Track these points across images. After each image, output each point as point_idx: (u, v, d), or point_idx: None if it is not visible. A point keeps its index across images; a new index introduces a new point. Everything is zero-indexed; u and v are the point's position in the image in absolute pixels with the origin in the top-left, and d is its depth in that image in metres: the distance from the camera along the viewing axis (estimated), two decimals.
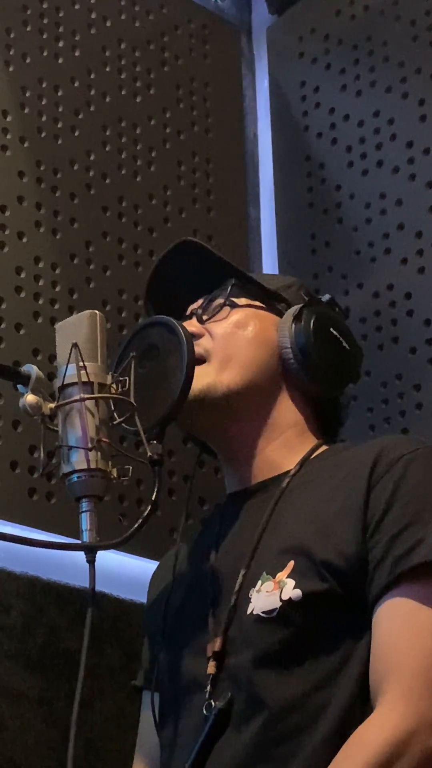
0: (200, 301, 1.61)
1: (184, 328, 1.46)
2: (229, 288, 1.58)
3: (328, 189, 2.31)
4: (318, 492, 1.45)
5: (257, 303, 1.60)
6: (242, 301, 1.59)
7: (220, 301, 1.59)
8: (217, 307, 1.59)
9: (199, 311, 1.59)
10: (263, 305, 1.60)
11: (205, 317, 1.58)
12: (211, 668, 1.41)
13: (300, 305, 1.58)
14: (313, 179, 2.35)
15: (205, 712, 1.38)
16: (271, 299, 1.61)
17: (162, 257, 1.63)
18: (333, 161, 2.31)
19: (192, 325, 1.55)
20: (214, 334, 1.56)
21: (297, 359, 1.55)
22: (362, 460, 1.43)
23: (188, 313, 1.61)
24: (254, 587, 1.41)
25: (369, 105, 2.25)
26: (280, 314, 1.59)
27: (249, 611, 1.40)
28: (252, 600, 1.40)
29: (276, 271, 2.35)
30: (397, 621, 1.33)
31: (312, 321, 1.56)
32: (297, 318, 1.56)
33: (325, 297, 1.64)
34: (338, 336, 1.59)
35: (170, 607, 1.52)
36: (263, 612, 1.38)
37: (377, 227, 2.19)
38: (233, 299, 1.59)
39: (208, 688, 1.40)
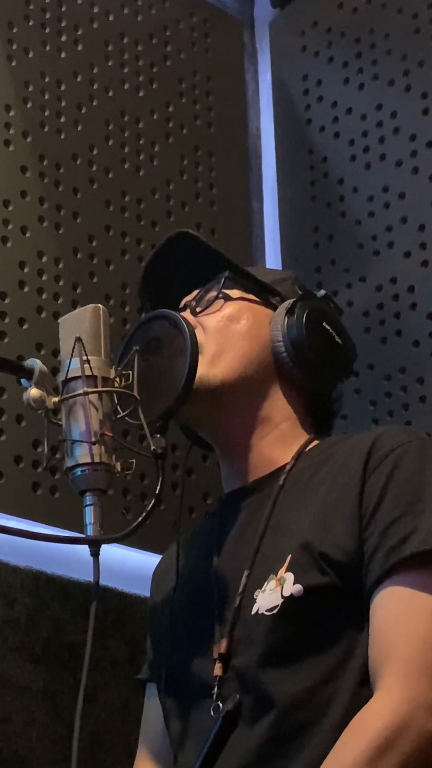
0: (195, 293, 1.60)
1: (187, 321, 1.46)
2: (223, 280, 1.58)
3: (330, 182, 2.31)
4: (314, 486, 1.45)
5: (250, 296, 1.59)
6: (235, 293, 1.58)
7: (213, 293, 1.58)
8: (210, 300, 1.57)
9: (193, 303, 1.58)
10: (257, 298, 1.59)
11: (198, 309, 1.57)
12: (217, 670, 1.40)
13: (293, 299, 1.58)
14: (315, 173, 2.35)
15: (212, 713, 1.38)
16: (264, 292, 1.60)
17: (157, 250, 1.62)
18: (336, 155, 2.31)
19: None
20: (206, 327, 1.54)
21: (289, 353, 1.54)
22: (356, 453, 1.43)
23: (182, 305, 1.60)
24: (260, 588, 1.41)
25: (371, 98, 2.25)
26: (274, 308, 1.58)
27: (254, 612, 1.40)
28: (257, 601, 1.40)
29: (279, 265, 2.35)
30: (391, 609, 1.33)
31: (305, 315, 1.55)
32: (290, 312, 1.55)
33: (321, 292, 1.63)
34: (331, 331, 1.58)
35: (174, 609, 1.52)
36: (266, 610, 1.38)
37: (380, 220, 2.18)
38: (226, 291, 1.57)
39: (215, 689, 1.40)
